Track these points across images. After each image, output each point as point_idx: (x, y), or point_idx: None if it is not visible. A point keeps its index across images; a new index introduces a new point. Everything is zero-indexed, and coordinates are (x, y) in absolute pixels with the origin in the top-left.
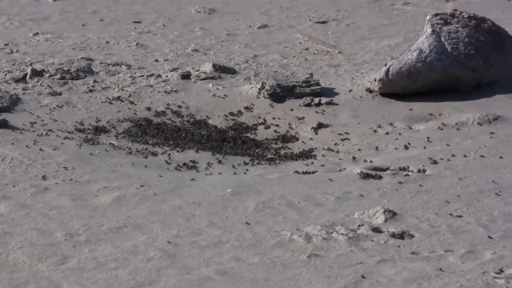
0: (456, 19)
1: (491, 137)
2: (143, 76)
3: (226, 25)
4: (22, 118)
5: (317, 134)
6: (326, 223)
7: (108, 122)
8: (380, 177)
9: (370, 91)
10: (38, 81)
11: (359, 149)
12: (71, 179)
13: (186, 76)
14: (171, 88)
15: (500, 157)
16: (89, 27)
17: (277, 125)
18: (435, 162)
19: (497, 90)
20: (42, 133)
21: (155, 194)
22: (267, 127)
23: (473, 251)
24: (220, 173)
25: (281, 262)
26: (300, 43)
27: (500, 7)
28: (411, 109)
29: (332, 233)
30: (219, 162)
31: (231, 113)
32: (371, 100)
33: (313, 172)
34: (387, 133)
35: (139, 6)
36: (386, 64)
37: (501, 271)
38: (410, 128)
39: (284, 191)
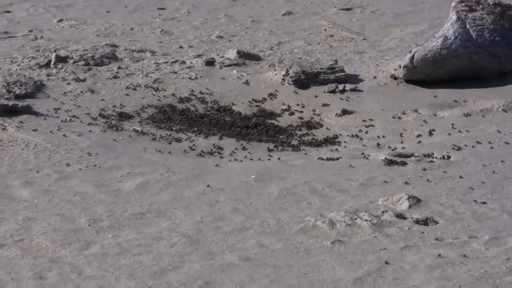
0: (481, 6)
1: None
2: (167, 62)
3: (251, 12)
4: (46, 104)
5: (341, 120)
6: (350, 209)
7: (132, 108)
8: (404, 164)
9: (394, 78)
10: (62, 67)
11: (383, 136)
12: (94, 165)
13: (210, 63)
14: (196, 74)
15: None
16: (113, 13)
17: (301, 112)
18: (459, 149)
19: None
20: (66, 119)
21: (178, 180)
22: (291, 114)
23: (497, 237)
24: (244, 159)
25: (304, 248)
26: (324, 30)
27: None
28: (435, 96)
29: (356, 219)
30: (243, 148)
31: (255, 100)
32: (396, 87)
33: (337, 159)
34: (411, 120)
35: None
36: (410, 51)
37: None
38: (435, 115)
39: (308, 177)
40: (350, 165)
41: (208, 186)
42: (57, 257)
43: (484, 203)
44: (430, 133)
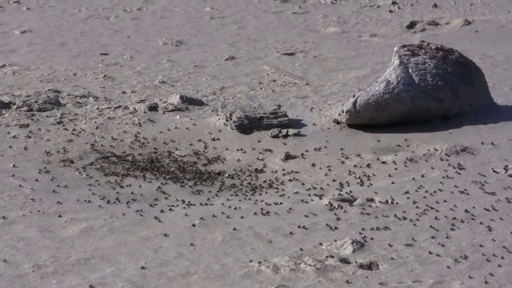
0: (423, 51)
1: (459, 168)
2: (110, 108)
3: (194, 57)
4: None
5: (285, 165)
6: (294, 254)
7: (75, 153)
8: (348, 208)
9: (337, 122)
10: (5, 113)
11: (327, 180)
12: (38, 211)
13: (153, 108)
14: (139, 120)
15: (465, 189)
16: (56, 59)
17: (245, 157)
18: (403, 193)
19: (464, 121)
20: (9, 165)
21: (122, 225)
22: (235, 159)
23: (442, 281)
24: (188, 204)
25: None
26: (267, 74)
27: (467, 39)
28: (378, 141)
29: (300, 264)
30: (187, 193)
31: (199, 145)
32: (339, 132)
33: (281, 203)
34: (355, 165)
35: (107, 38)
36: (353, 95)
37: None
38: (378, 159)
39: (252, 222)
40: (294, 210)
41: (152, 231)
42: None
43: (428, 247)
44: (374, 178)
